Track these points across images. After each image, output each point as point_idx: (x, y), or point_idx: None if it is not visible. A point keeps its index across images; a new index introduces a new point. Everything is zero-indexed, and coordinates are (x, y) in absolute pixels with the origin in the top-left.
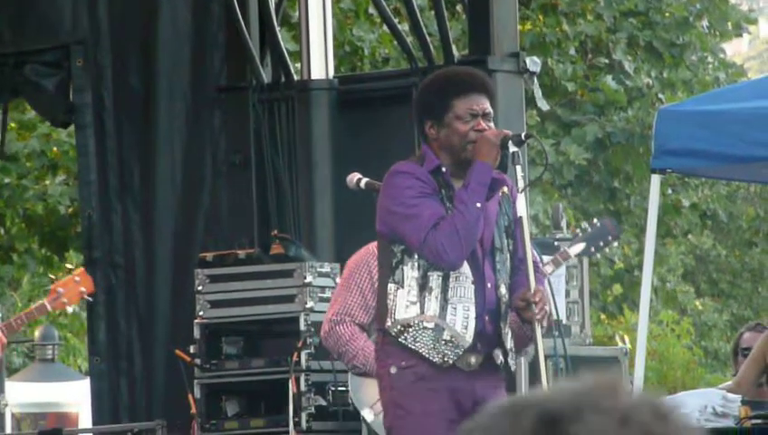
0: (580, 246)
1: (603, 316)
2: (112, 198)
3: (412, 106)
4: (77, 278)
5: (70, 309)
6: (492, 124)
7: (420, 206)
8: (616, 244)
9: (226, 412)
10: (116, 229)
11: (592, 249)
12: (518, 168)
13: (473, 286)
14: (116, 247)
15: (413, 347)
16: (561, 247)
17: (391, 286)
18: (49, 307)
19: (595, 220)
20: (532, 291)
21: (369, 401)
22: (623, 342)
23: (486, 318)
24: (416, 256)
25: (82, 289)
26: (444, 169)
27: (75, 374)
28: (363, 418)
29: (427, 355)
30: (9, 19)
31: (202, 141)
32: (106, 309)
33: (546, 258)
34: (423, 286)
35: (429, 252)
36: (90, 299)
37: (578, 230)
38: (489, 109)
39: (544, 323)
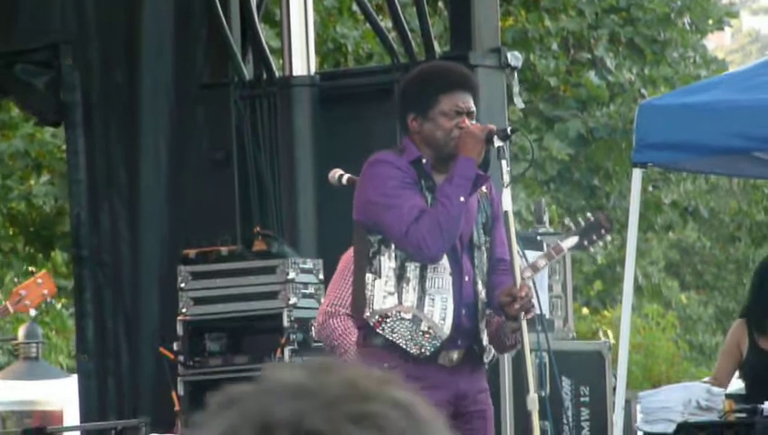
0: (573, 240)
1: (586, 311)
2: (100, 197)
3: (396, 97)
4: (39, 281)
5: (33, 312)
6: (474, 122)
7: (402, 197)
8: (609, 237)
9: None
10: (103, 227)
11: (585, 243)
12: (503, 162)
13: (450, 278)
14: (104, 245)
15: (390, 338)
16: (553, 241)
17: (369, 276)
18: (11, 309)
19: (588, 214)
20: (518, 286)
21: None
22: (606, 336)
23: (463, 311)
24: (393, 247)
25: (45, 292)
26: (424, 161)
27: (59, 372)
28: None
29: (404, 346)
30: None
31: (185, 138)
32: (94, 307)
33: (538, 253)
34: (400, 277)
35: (410, 244)
36: (51, 301)
37: (571, 224)
38: (473, 107)
39: (528, 317)
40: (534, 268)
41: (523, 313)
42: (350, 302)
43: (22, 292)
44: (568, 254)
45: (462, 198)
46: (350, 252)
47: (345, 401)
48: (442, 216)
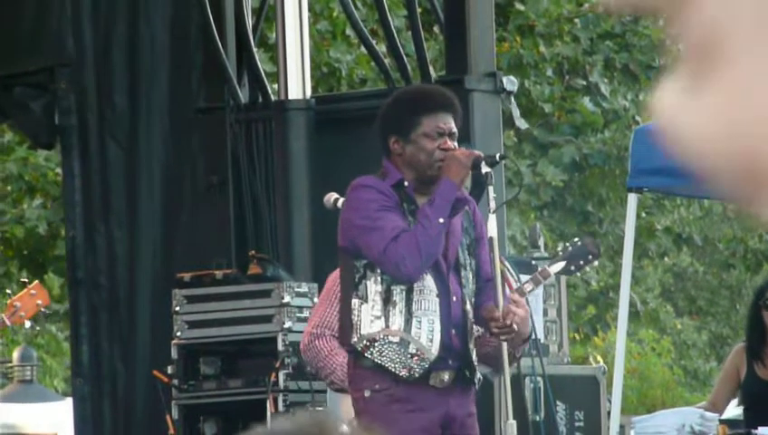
0: (560, 265)
1: (577, 337)
2: (96, 220)
3: (376, 120)
4: (33, 292)
5: (27, 324)
6: (456, 144)
7: (384, 219)
8: (596, 263)
9: (204, 433)
10: (99, 250)
11: (572, 268)
12: (490, 188)
13: (437, 299)
14: (99, 268)
15: (379, 362)
16: (540, 266)
17: (355, 302)
18: (7, 322)
19: (576, 239)
20: (500, 311)
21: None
22: (596, 363)
23: (452, 331)
24: (378, 271)
25: (39, 302)
26: (406, 184)
27: (54, 395)
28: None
29: (393, 369)
30: None
31: (180, 162)
32: (89, 330)
33: (525, 277)
34: (387, 300)
35: (389, 263)
36: (46, 311)
37: (559, 249)
38: (455, 128)
39: (526, 346)
40: (521, 292)
41: (503, 337)
42: (335, 324)
43: (16, 303)
44: (563, 279)
45: (441, 220)
46: (337, 272)
47: None
48: (421, 235)
